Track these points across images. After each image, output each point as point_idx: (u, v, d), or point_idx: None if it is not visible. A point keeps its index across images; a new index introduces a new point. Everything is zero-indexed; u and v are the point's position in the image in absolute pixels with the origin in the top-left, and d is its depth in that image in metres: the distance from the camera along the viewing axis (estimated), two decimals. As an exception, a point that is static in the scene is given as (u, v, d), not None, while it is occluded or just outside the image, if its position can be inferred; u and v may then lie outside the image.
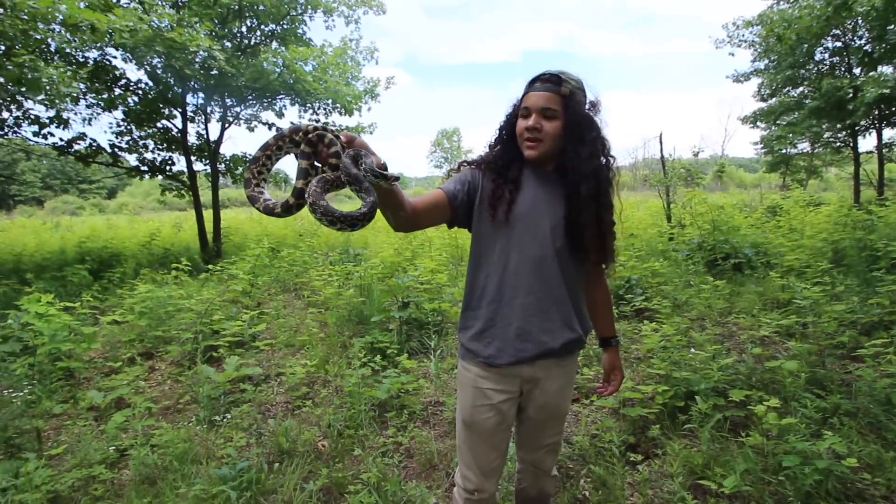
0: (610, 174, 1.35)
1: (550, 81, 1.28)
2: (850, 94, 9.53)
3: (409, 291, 4.06)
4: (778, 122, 11.99)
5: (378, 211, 1.10)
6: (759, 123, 12.71)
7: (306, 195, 1.02)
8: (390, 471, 2.26)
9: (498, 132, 1.40)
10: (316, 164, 1.09)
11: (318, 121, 8.33)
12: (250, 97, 7.98)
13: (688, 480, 2.03)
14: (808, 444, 1.89)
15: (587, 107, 1.32)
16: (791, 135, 11.71)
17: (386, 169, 1.06)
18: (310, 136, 1.08)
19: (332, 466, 2.31)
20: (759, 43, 10.23)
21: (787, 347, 3.17)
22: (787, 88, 11.51)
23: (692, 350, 2.77)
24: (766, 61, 11.19)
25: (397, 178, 1.06)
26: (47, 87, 5.16)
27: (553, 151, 1.32)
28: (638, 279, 4.78)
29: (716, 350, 2.78)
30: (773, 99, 11.83)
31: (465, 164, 1.41)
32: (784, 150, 12.93)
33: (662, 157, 8.22)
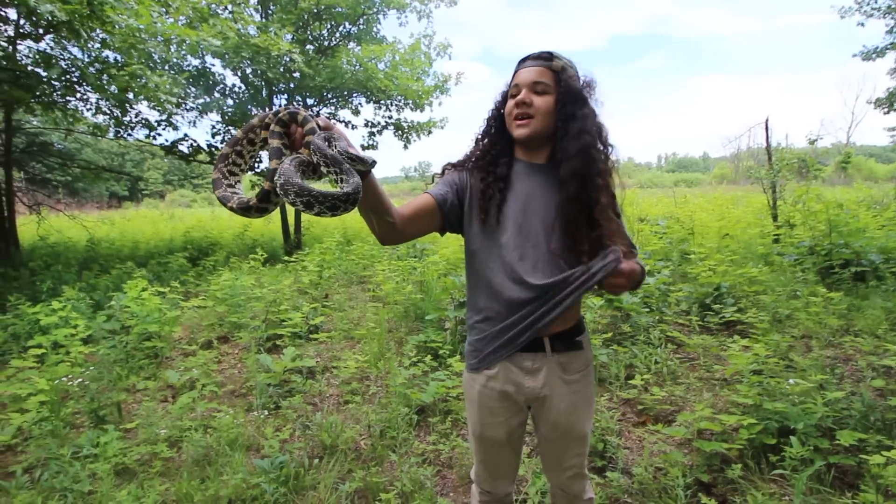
0: (607, 162, 1.21)
1: (541, 58, 1.20)
2: None
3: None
4: (924, 103, 10.01)
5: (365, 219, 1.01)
6: (897, 106, 10.72)
7: (277, 176, 0.87)
8: (427, 481, 2.15)
9: (486, 122, 1.29)
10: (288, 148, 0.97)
11: (390, 118, 8.47)
12: (329, 96, 8.32)
13: (773, 539, 1.67)
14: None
15: (581, 85, 1.20)
16: (942, 118, 9.69)
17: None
18: (280, 115, 0.96)
19: (368, 469, 2.26)
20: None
21: (923, 381, 2.56)
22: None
23: (790, 381, 2.31)
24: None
25: (374, 163, 0.93)
26: (154, 93, 5.76)
27: (545, 130, 1.19)
28: (729, 286, 4.20)
29: (824, 379, 2.30)
30: (918, 76, 9.89)
31: (450, 166, 1.31)
32: (932, 137, 10.76)
33: (769, 145, 7.18)
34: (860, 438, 1.91)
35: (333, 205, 0.86)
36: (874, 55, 10.18)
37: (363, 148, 9.20)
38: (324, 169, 0.91)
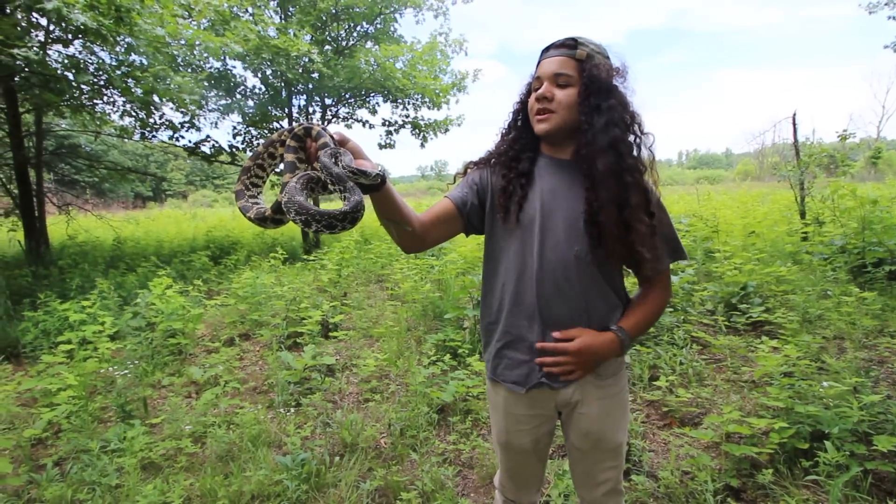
0: (641, 154, 1.11)
1: (565, 46, 1.12)
2: None
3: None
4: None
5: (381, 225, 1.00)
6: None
7: (282, 193, 0.90)
8: (448, 481, 2.14)
9: (511, 116, 1.23)
10: (304, 161, 0.99)
11: (407, 116, 8.47)
12: (347, 96, 8.37)
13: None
14: None
15: (610, 72, 1.11)
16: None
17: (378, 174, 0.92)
18: (296, 130, 0.98)
19: (389, 468, 2.25)
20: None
21: (967, 385, 2.44)
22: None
23: (824, 384, 2.23)
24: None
25: (382, 178, 0.91)
26: (177, 94, 5.87)
27: (567, 125, 1.11)
28: (756, 286, 4.08)
29: (858, 382, 2.21)
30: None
31: (472, 165, 1.26)
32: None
33: (796, 140, 6.96)
34: (900, 445, 1.82)
35: (330, 223, 0.86)
36: (907, 46, 9.75)
37: (380, 147, 9.22)
38: (330, 186, 0.92)
